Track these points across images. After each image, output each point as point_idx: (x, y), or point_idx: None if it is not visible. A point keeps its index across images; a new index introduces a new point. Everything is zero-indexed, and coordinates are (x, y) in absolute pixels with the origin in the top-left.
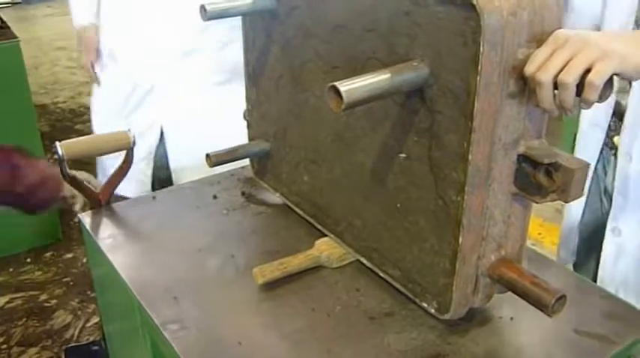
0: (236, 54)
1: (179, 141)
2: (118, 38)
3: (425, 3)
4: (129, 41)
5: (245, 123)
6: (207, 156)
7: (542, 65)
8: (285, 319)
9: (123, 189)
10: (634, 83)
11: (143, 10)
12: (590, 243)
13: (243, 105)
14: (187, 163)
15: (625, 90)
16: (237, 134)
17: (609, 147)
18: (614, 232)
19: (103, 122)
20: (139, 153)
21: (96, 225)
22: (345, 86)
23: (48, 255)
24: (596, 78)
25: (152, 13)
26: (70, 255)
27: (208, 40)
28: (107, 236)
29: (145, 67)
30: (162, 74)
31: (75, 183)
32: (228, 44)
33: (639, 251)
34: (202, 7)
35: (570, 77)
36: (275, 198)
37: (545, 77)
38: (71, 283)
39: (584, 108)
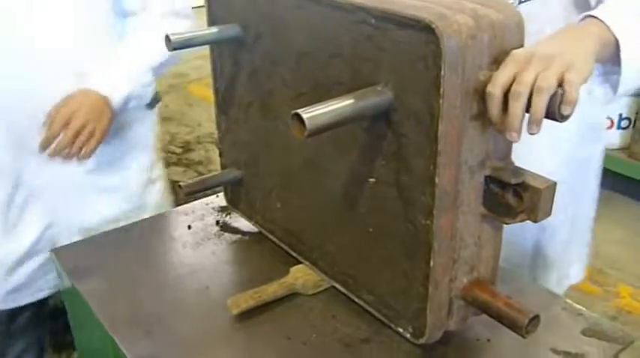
0: None
1: None
2: None
3: (386, 27)
4: None
5: None
6: (180, 186)
7: (515, 80)
8: (260, 349)
9: None
10: None
11: None
12: None
13: None
14: None
15: None
16: None
17: None
18: None
19: None
20: None
21: (67, 259)
22: (307, 113)
23: None
24: (573, 79)
25: None
26: None
27: None
28: (79, 270)
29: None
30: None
31: None
32: None
33: None
34: (167, 37)
35: (546, 82)
36: (250, 225)
37: (523, 88)
38: None
39: (533, 132)
